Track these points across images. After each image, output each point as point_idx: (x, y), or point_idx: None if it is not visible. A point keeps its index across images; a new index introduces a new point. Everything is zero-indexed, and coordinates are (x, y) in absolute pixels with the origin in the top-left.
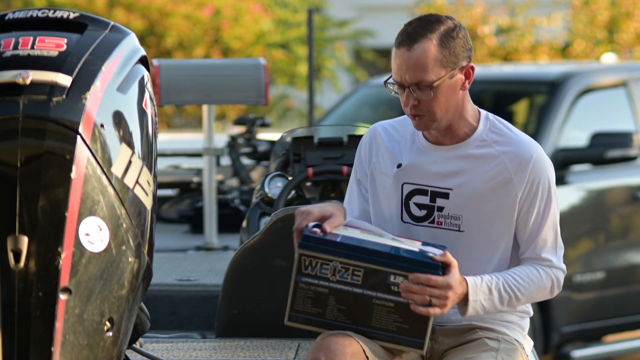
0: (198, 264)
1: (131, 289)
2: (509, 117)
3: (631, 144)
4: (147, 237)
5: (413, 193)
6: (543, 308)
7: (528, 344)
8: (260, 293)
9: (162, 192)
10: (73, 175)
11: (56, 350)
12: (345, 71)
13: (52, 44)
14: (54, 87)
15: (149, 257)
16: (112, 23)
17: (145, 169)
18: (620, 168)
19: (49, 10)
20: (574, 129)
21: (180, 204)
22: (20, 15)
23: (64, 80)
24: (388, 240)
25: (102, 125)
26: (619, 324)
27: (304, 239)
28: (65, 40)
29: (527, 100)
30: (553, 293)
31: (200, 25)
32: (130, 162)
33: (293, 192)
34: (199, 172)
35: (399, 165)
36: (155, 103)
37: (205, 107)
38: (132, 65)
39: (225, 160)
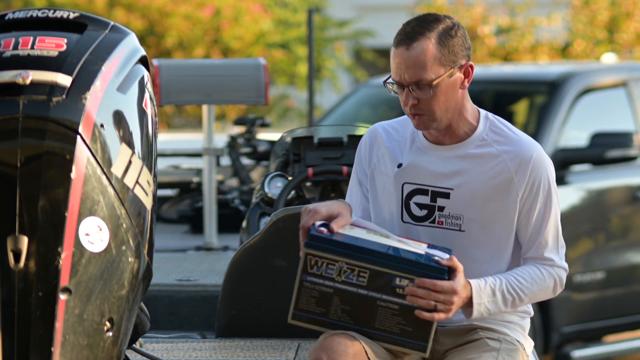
0: (198, 264)
1: (131, 289)
2: (509, 117)
3: (631, 144)
4: (147, 237)
5: (414, 193)
6: (543, 308)
7: (529, 344)
8: (260, 293)
9: (162, 192)
10: (73, 175)
11: (56, 350)
12: (345, 71)
13: (52, 44)
14: (53, 87)
15: (149, 257)
16: (112, 23)
17: (145, 169)
18: (620, 168)
19: (49, 10)
20: (574, 129)
21: (180, 204)
22: (20, 15)
23: (64, 80)
24: (394, 242)
25: (102, 125)
26: (619, 324)
27: (310, 238)
28: (65, 40)
29: (527, 100)
30: (556, 292)
31: (200, 25)
32: (130, 162)
33: (293, 192)
34: (199, 172)
35: (400, 165)
36: (155, 103)
37: (205, 107)
38: (132, 65)
39: (225, 160)
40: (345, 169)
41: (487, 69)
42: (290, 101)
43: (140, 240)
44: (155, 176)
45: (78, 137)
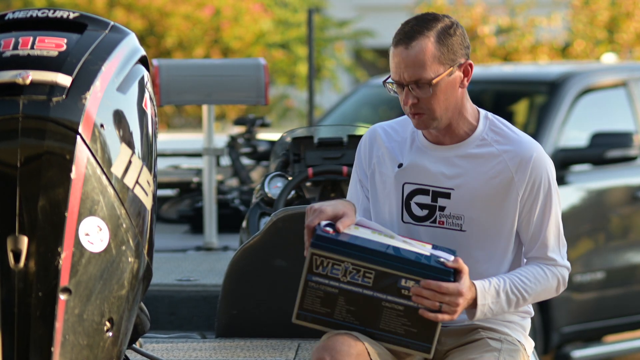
0: (198, 264)
1: (131, 289)
2: (509, 117)
3: (631, 144)
4: (147, 237)
5: (414, 193)
6: (543, 308)
7: (529, 344)
8: (260, 293)
9: (162, 192)
10: (73, 175)
11: (56, 350)
12: (345, 71)
13: (52, 44)
14: (53, 87)
15: (149, 257)
16: (112, 23)
17: (145, 169)
18: (620, 168)
19: (49, 10)
20: (574, 129)
21: (180, 204)
22: (20, 15)
23: (64, 80)
24: (399, 243)
25: (102, 125)
26: (619, 324)
27: (316, 238)
28: (65, 40)
29: (527, 100)
30: (559, 291)
31: (200, 25)
32: (130, 162)
33: (293, 192)
34: (198, 172)
35: (400, 165)
36: (155, 103)
37: (205, 107)
38: (132, 65)
39: (225, 160)
40: (345, 169)
41: (487, 69)
42: (290, 101)
43: (140, 240)
44: (155, 176)
45: (78, 137)
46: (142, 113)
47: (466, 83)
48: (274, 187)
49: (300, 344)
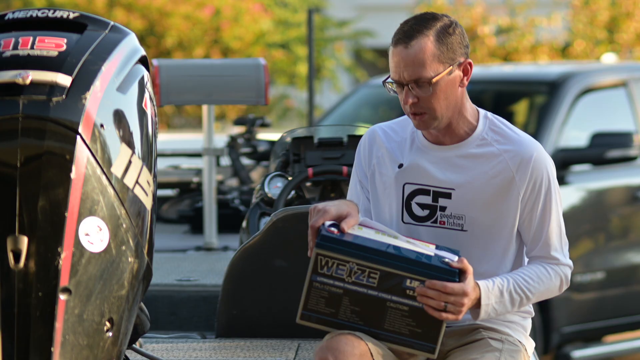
0: (198, 264)
1: (131, 289)
2: (509, 117)
3: (631, 144)
4: (146, 237)
5: (415, 193)
6: (543, 308)
7: (530, 345)
8: (260, 293)
9: (162, 192)
10: (73, 175)
11: (56, 350)
12: (345, 71)
13: (51, 44)
14: (53, 87)
15: (149, 257)
16: (112, 23)
17: (145, 169)
18: (620, 168)
19: (49, 10)
20: (574, 129)
21: (180, 204)
22: (20, 15)
23: (64, 80)
24: (403, 243)
25: (102, 125)
26: (619, 324)
27: (322, 238)
28: (65, 40)
29: (527, 101)
30: (562, 290)
31: (200, 25)
32: (130, 162)
33: (293, 192)
34: (198, 172)
35: (400, 166)
36: (155, 103)
37: (205, 107)
38: (132, 65)
39: (225, 160)
40: (345, 169)
41: (487, 69)
42: (290, 101)
43: (140, 240)
44: (155, 176)
45: (78, 137)
46: (142, 113)
47: (466, 82)
48: (274, 187)
49: (300, 344)
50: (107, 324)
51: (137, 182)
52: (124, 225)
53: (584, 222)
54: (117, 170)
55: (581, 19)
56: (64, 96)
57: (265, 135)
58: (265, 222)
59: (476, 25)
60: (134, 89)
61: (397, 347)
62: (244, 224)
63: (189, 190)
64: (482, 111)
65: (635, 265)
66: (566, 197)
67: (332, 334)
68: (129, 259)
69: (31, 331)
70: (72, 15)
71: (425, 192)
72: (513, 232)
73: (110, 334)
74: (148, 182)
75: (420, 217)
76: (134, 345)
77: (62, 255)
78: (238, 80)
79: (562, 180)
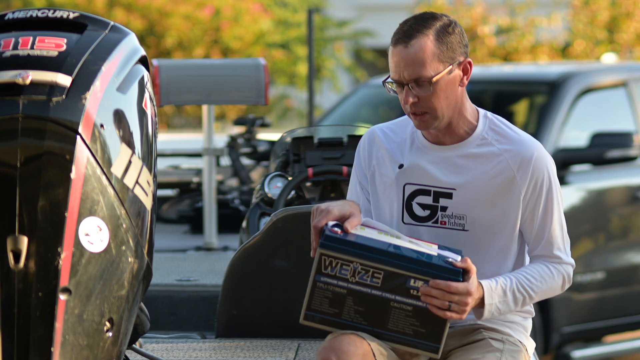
0: (198, 264)
1: (131, 289)
2: (509, 117)
3: (631, 144)
4: (146, 237)
5: (416, 193)
6: (543, 308)
7: (531, 345)
8: (260, 293)
9: (162, 192)
10: (73, 175)
11: (56, 350)
12: (345, 71)
13: (51, 44)
14: (53, 87)
15: (149, 257)
16: (111, 23)
17: (145, 169)
18: (620, 168)
19: (49, 10)
20: (574, 129)
21: (180, 204)
22: (20, 15)
23: (64, 80)
24: (406, 243)
25: (101, 126)
26: (619, 325)
27: (325, 239)
28: (65, 40)
29: (527, 101)
30: (564, 288)
31: (200, 25)
32: (130, 162)
33: (293, 192)
34: (198, 172)
35: (401, 166)
36: (155, 103)
37: (205, 107)
38: (132, 65)
39: (225, 160)
40: (345, 169)
41: (487, 69)
42: (290, 101)
43: (140, 241)
44: (155, 176)
45: (78, 137)
46: (142, 113)
47: (466, 81)
48: (274, 187)
49: (300, 344)
50: (107, 324)
51: (137, 182)
52: (124, 225)
53: (584, 222)
54: (117, 170)
55: (581, 19)
56: (64, 96)
57: (265, 135)
58: (265, 222)
59: (476, 25)
60: (134, 89)
61: (400, 347)
62: (244, 224)
63: (189, 190)
64: (481, 111)
65: (635, 265)
66: (566, 197)
67: (335, 334)
68: (129, 259)
69: (31, 331)
70: (72, 15)
71: (426, 193)
72: (514, 231)
73: (110, 334)
74: (148, 182)
75: (421, 218)
76: (134, 345)
77: (62, 255)
78: (238, 80)
79: (562, 180)
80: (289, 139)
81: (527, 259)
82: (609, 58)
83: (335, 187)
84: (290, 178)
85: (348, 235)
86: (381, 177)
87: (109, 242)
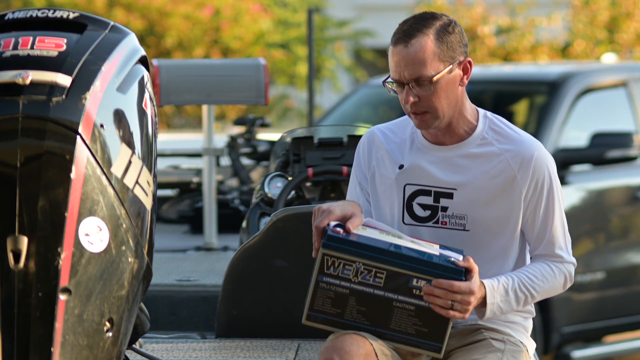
0: (198, 264)
1: (131, 289)
2: (509, 117)
3: (631, 144)
4: (146, 237)
5: (416, 194)
6: (543, 308)
7: (531, 345)
8: (260, 293)
9: (162, 192)
10: (73, 175)
11: (56, 350)
12: (345, 71)
13: (51, 44)
14: (53, 87)
15: (149, 257)
16: (111, 23)
17: (145, 169)
18: (620, 168)
19: (49, 10)
20: (574, 129)
21: (180, 204)
22: (20, 15)
23: (64, 80)
24: (408, 243)
25: (101, 126)
26: (619, 325)
27: (328, 239)
28: (65, 40)
29: (527, 101)
30: (566, 287)
31: (199, 25)
32: (130, 162)
33: (293, 192)
34: (198, 172)
35: (401, 167)
36: (155, 103)
37: (205, 107)
38: (132, 66)
39: (225, 161)
40: (345, 169)
41: (487, 69)
42: (290, 101)
43: (140, 241)
44: (155, 176)
45: (78, 137)
46: (142, 113)
47: (466, 81)
48: (274, 187)
49: (300, 344)
50: (107, 324)
51: (137, 182)
52: (124, 226)
53: (584, 222)
54: (117, 170)
55: (581, 19)
56: (64, 96)
57: (265, 135)
58: (265, 222)
59: (476, 25)
60: (134, 89)
61: (403, 346)
62: (244, 224)
63: (189, 190)
64: (481, 111)
65: (635, 265)
66: (566, 197)
67: (337, 334)
68: (129, 259)
69: (31, 331)
70: (72, 15)
71: (427, 193)
72: (516, 231)
73: (110, 334)
74: (148, 182)
75: (422, 218)
76: (134, 345)
77: (62, 256)
78: (238, 80)
79: (562, 181)
80: (289, 139)
81: (528, 258)
82: (609, 58)
83: (335, 187)
84: (290, 178)
85: (350, 236)
86: (381, 177)
87: (109, 242)
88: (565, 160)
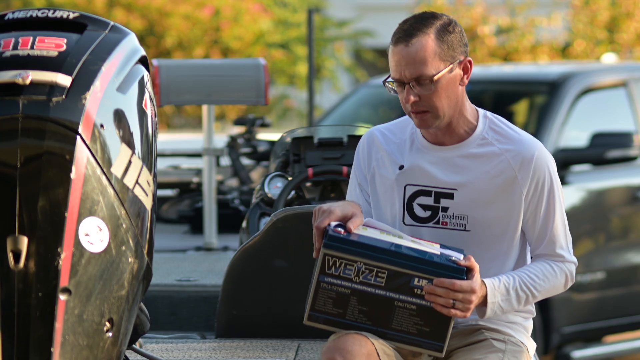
0: (198, 264)
1: (131, 289)
2: (509, 117)
3: (631, 144)
4: (146, 237)
5: (417, 194)
6: (543, 308)
7: (532, 346)
8: (260, 293)
9: (162, 192)
10: (73, 175)
11: (56, 350)
12: (345, 71)
13: (51, 44)
14: (53, 87)
15: (149, 257)
16: (111, 23)
17: (145, 169)
18: (620, 168)
19: (49, 10)
20: (574, 129)
21: (180, 204)
22: (20, 15)
23: (64, 80)
24: (409, 242)
25: (101, 126)
26: (619, 325)
27: (329, 239)
28: (65, 40)
29: (527, 101)
30: (567, 287)
31: (199, 25)
32: (130, 162)
33: (293, 192)
34: (198, 172)
35: (401, 167)
36: (155, 103)
37: (205, 107)
38: (131, 66)
39: (225, 161)
40: (345, 169)
41: (487, 69)
42: (290, 101)
43: (140, 241)
44: (155, 176)
45: (78, 137)
46: (142, 113)
47: (466, 81)
48: (274, 187)
49: (300, 344)
50: (107, 324)
51: (137, 182)
52: (124, 226)
53: (584, 222)
54: (117, 170)
55: (581, 19)
56: (64, 96)
57: (265, 135)
58: (265, 222)
59: (476, 25)
60: (134, 89)
61: (404, 346)
62: (244, 224)
63: (189, 190)
64: (481, 111)
65: (635, 265)
66: (566, 197)
67: (338, 334)
68: (129, 259)
69: (31, 331)
70: (72, 16)
71: (427, 193)
72: (517, 230)
73: (110, 334)
74: (148, 182)
75: (422, 218)
76: (134, 345)
77: (62, 256)
78: (238, 80)
79: (562, 181)
80: (289, 139)
81: (529, 258)
82: (609, 58)
83: (335, 187)
84: (290, 178)
85: (351, 236)
86: (381, 178)
87: (109, 242)
88: (566, 160)
